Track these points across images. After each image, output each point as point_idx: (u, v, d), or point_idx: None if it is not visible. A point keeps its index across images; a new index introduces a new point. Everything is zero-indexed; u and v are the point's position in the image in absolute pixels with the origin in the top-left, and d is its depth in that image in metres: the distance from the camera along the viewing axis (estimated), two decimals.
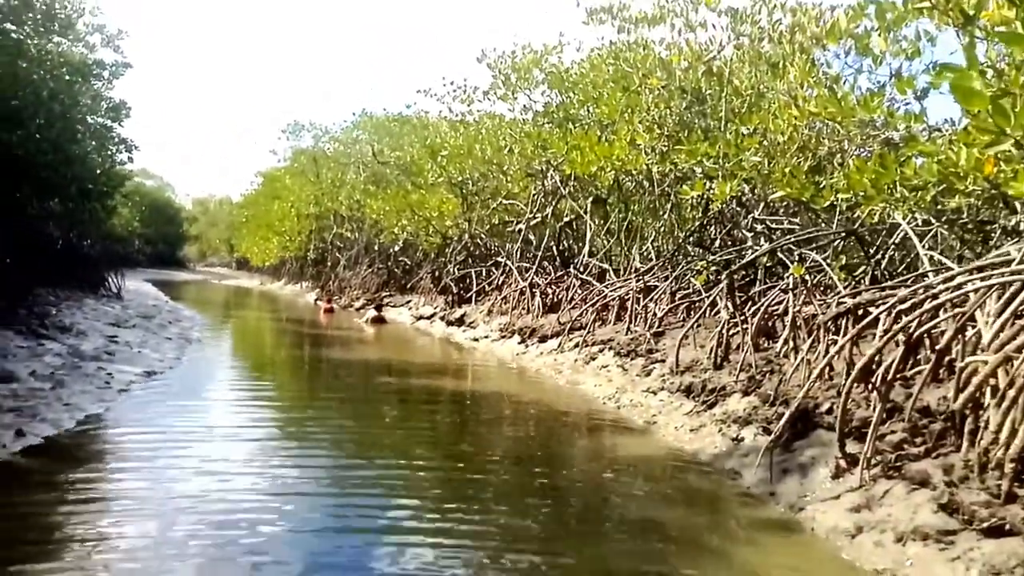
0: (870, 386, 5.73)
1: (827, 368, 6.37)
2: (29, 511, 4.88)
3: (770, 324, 9.10)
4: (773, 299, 8.88)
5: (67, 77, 14.05)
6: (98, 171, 17.46)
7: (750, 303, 9.57)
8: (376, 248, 29.14)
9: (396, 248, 26.81)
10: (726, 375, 8.40)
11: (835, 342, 6.73)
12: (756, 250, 10.33)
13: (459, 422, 9.41)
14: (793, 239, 9.32)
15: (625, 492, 6.32)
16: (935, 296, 5.91)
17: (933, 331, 5.92)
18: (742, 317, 9.09)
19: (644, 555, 4.79)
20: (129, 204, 37.84)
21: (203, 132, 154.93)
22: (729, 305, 9.32)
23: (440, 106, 23.62)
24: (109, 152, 18.50)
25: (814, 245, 9.44)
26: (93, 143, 17.32)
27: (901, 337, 5.84)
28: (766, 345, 8.65)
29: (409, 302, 24.66)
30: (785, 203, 11.42)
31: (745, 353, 8.22)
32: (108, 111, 17.83)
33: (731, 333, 8.96)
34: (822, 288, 9.12)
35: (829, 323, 7.14)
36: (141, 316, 17.40)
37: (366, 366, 13.64)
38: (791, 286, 8.55)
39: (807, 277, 8.41)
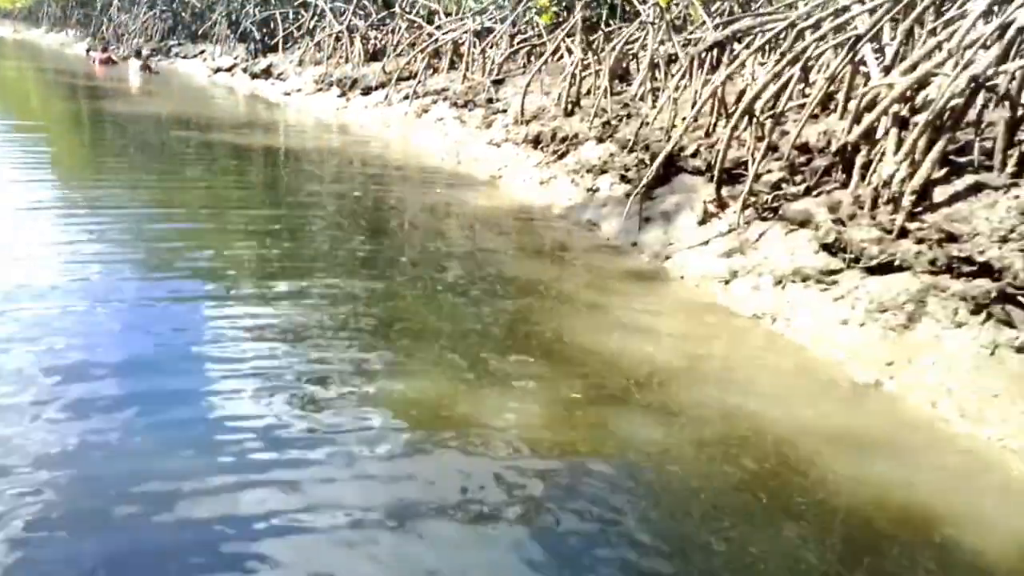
0: (743, 124, 5.23)
1: (695, 108, 5.79)
2: None
3: (624, 66, 8.35)
4: (628, 37, 8.05)
5: None
6: None
7: (601, 43, 8.69)
8: None
9: None
10: (577, 122, 7.69)
11: (705, 81, 6.12)
12: None
13: (276, 180, 8.20)
14: None
15: (474, 248, 5.68)
16: (817, 25, 5.33)
17: (810, 63, 5.42)
18: (595, 58, 8.24)
19: (504, 310, 4.22)
20: None
21: None
22: (581, 46, 8.38)
23: None
24: None
25: None
26: None
27: (776, 69, 5.29)
28: (620, 89, 7.96)
29: (203, 52, 21.38)
30: None
31: (599, 98, 7.48)
32: None
33: (583, 76, 8.14)
34: (676, 26, 8.37)
35: (695, 59, 6.48)
36: None
37: (159, 122, 11.62)
38: (650, 20, 7.72)
39: (665, 12, 7.59)
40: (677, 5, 8.16)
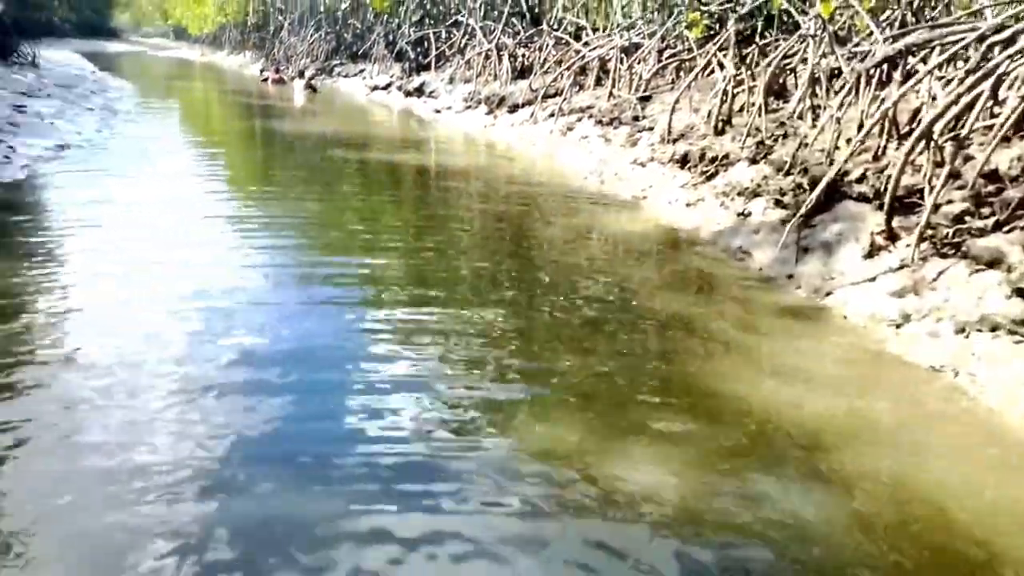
0: (919, 147, 4.72)
1: (862, 129, 5.31)
2: None
3: (781, 81, 7.87)
4: (786, 50, 7.56)
5: None
6: None
7: (756, 57, 8.24)
8: (323, 9, 26.12)
9: (344, 8, 23.99)
10: (728, 142, 7.32)
11: (873, 98, 5.61)
12: None
13: (424, 198, 8.43)
14: None
15: (615, 274, 5.48)
16: (1012, 39, 4.72)
17: (1003, 78, 4.81)
18: (749, 74, 7.82)
19: (645, 349, 4.02)
20: None
21: None
22: (733, 61, 7.98)
23: None
24: None
25: None
26: None
27: (961, 89, 4.73)
28: (776, 106, 7.49)
29: (362, 71, 22.51)
30: None
31: (753, 116, 7.08)
32: None
33: (735, 93, 7.74)
34: (840, 38, 7.79)
35: (862, 75, 5.96)
36: (59, 86, 15.40)
37: (321, 140, 12.27)
38: (811, 32, 7.21)
39: (828, 23, 7.05)
40: (841, 15, 7.59)
